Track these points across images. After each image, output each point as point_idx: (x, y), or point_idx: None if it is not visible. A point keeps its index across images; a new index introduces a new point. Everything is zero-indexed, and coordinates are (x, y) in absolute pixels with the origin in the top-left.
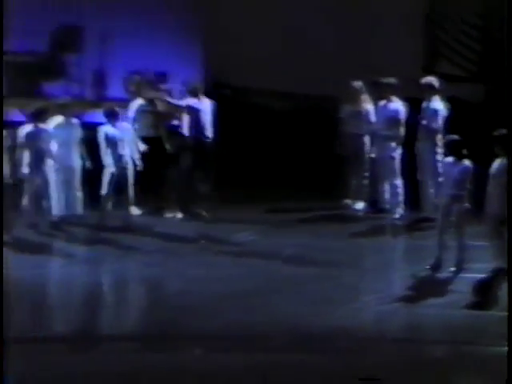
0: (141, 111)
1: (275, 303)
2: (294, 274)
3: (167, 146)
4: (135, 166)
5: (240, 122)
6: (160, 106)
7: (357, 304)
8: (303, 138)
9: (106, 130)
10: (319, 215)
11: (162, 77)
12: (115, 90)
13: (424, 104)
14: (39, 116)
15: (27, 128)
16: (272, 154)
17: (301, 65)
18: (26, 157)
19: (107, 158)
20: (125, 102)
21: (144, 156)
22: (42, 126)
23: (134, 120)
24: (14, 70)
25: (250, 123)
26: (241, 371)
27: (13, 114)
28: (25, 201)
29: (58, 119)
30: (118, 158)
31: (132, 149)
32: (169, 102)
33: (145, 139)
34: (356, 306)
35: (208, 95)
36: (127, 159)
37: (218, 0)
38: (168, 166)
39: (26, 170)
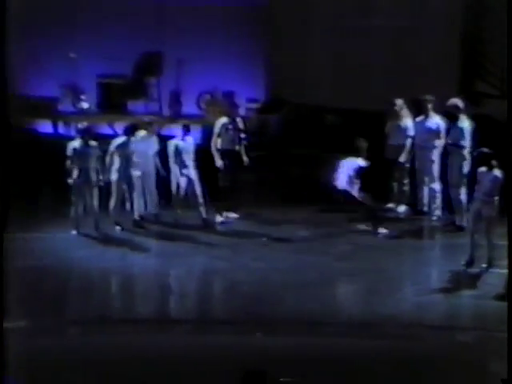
0: (225, 128)
1: (330, 293)
2: (345, 267)
3: (245, 159)
4: (200, 173)
5: (299, 134)
6: (240, 124)
7: (401, 294)
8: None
9: (177, 142)
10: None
11: (229, 95)
12: (189, 107)
13: (451, 123)
14: (130, 130)
15: (119, 140)
16: (328, 162)
17: (352, 83)
18: (116, 164)
19: (176, 167)
20: (197, 118)
21: (220, 165)
22: (131, 138)
23: (219, 135)
24: (104, 90)
25: (307, 134)
26: (303, 353)
27: (103, 127)
28: (112, 202)
29: (141, 133)
30: (185, 166)
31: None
32: (245, 120)
33: (226, 152)
34: (400, 297)
35: (271, 111)
36: (193, 167)
37: (280, 27)
38: (242, 174)
39: (114, 175)
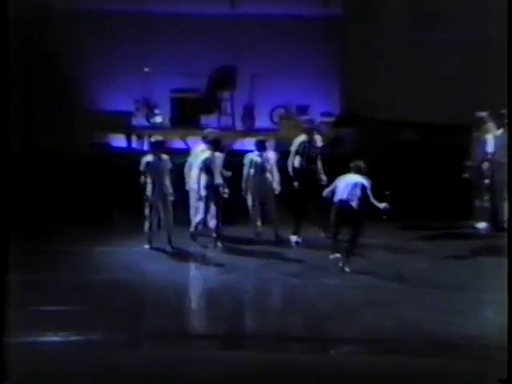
0: (303, 146)
1: (405, 311)
2: (422, 285)
3: (323, 177)
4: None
5: (375, 149)
6: (318, 142)
7: (480, 314)
8: (433, 164)
9: (253, 157)
10: (446, 233)
11: (302, 109)
12: (262, 121)
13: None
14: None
15: (206, 153)
16: (406, 177)
17: (428, 97)
18: (203, 179)
19: (251, 182)
20: (270, 132)
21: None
22: (216, 152)
23: (296, 152)
24: (178, 105)
25: (384, 149)
26: (377, 371)
27: (175, 141)
28: (198, 217)
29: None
30: (261, 182)
31: (273, 174)
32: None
33: (303, 170)
34: (479, 316)
35: (345, 125)
36: (269, 183)
37: (354, 39)
38: (315, 193)
39: (203, 191)
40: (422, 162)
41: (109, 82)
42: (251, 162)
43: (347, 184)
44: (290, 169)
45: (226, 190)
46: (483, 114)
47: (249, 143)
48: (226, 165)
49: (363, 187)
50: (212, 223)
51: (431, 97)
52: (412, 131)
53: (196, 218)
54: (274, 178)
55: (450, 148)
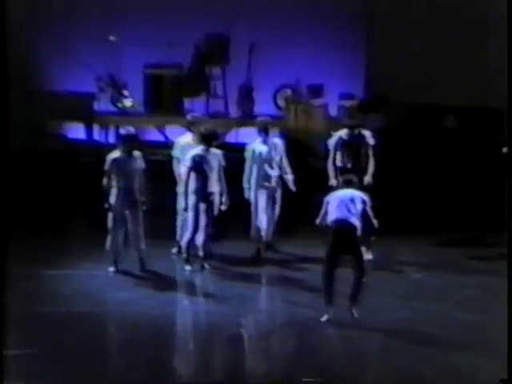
0: (341, 143)
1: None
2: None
3: (367, 179)
4: (285, 187)
5: (410, 139)
6: (367, 137)
7: None
8: (484, 158)
9: (256, 147)
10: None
11: (315, 90)
12: (263, 106)
13: None
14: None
15: (196, 150)
16: (451, 175)
17: (468, 78)
18: (192, 182)
19: (255, 179)
20: (273, 120)
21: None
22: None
23: (335, 150)
24: (154, 85)
25: (421, 139)
26: None
27: (151, 132)
28: (188, 233)
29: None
30: (266, 178)
31: (284, 169)
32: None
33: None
34: None
35: (371, 110)
36: (277, 180)
37: (381, 11)
38: None
39: (191, 198)
40: (470, 155)
41: (66, 55)
42: (253, 153)
43: (342, 200)
44: (329, 167)
45: (225, 200)
46: None
47: (246, 134)
48: (226, 166)
49: (363, 202)
50: (199, 239)
51: (474, 76)
52: (456, 117)
53: (184, 234)
54: (287, 173)
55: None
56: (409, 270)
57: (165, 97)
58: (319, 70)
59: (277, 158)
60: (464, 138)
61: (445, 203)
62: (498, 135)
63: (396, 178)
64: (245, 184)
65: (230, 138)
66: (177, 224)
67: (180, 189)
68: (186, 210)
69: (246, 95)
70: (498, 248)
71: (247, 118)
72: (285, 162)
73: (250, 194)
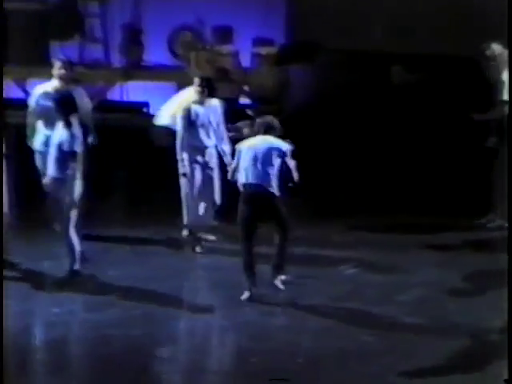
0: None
1: None
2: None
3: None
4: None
5: (344, 98)
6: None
7: None
8: (438, 122)
9: (191, 106)
10: (454, 237)
11: (223, 34)
12: (155, 53)
13: None
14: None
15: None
16: (398, 143)
17: (421, 21)
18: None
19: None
20: (170, 71)
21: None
22: None
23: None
24: (8, 23)
25: (360, 99)
26: None
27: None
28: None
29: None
30: (199, 150)
31: (220, 138)
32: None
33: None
34: None
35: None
36: (212, 152)
37: None
38: None
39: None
40: (426, 119)
41: None
42: (188, 114)
43: (256, 153)
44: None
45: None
46: (497, 46)
47: (134, 89)
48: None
49: (282, 154)
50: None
51: (427, 19)
52: (405, 70)
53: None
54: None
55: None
56: (343, 263)
57: (20, 40)
58: (227, 7)
59: (214, 125)
60: (417, 97)
61: (392, 178)
62: (464, 93)
63: (329, 146)
64: (179, 156)
65: (114, 94)
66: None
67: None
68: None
69: (133, 39)
70: (463, 235)
71: (135, 68)
72: (222, 130)
73: (185, 169)
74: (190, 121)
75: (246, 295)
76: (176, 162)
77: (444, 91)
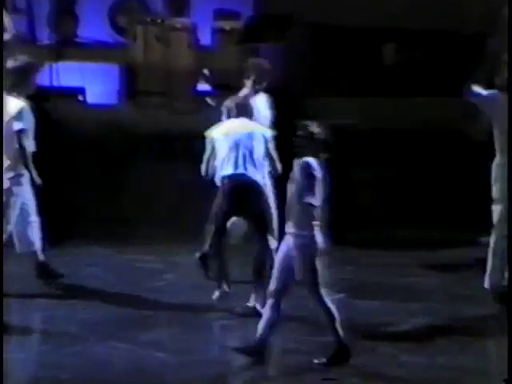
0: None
1: None
2: None
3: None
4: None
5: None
6: None
7: None
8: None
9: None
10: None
11: (177, 5)
12: (91, 27)
13: None
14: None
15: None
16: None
17: None
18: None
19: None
20: (111, 50)
21: None
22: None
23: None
24: None
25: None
26: None
27: None
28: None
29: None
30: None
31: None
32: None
33: None
34: None
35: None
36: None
37: None
38: None
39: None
40: (421, 105)
41: None
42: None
43: (235, 139)
44: None
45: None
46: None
47: (67, 71)
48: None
49: (264, 140)
50: None
51: None
52: (397, 47)
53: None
54: None
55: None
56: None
57: None
58: None
59: None
60: (413, 79)
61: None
62: (465, 76)
63: None
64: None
65: (41, 78)
66: None
67: None
68: None
69: (65, 9)
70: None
71: (67, 45)
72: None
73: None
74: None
75: (216, 294)
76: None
77: (441, 73)
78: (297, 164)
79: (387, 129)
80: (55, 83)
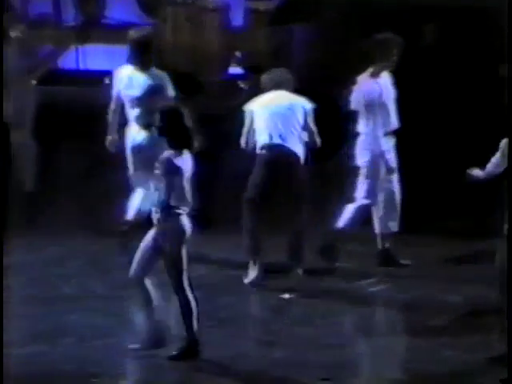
0: None
1: None
2: None
3: None
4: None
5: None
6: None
7: None
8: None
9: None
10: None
11: None
12: (119, 7)
13: None
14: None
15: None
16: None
17: None
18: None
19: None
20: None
21: None
22: None
23: None
24: None
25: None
26: None
27: None
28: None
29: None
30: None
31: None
32: None
33: None
34: None
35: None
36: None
37: None
38: None
39: None
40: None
41: None
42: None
43: (274, 112)
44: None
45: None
46: None
47: (93, 54)
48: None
49: (304, 112)
50: None
51: None
52: (435, 27)
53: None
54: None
55: None
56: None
57: None
58: None
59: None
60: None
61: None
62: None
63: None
64: None
65: (67, 61)
66: None
67: None
68: None
69: None
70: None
71: (94, 27)
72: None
73: None
74: None
75: (249, 278)
76: None
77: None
78: None
79: None
80: (81, 66)
